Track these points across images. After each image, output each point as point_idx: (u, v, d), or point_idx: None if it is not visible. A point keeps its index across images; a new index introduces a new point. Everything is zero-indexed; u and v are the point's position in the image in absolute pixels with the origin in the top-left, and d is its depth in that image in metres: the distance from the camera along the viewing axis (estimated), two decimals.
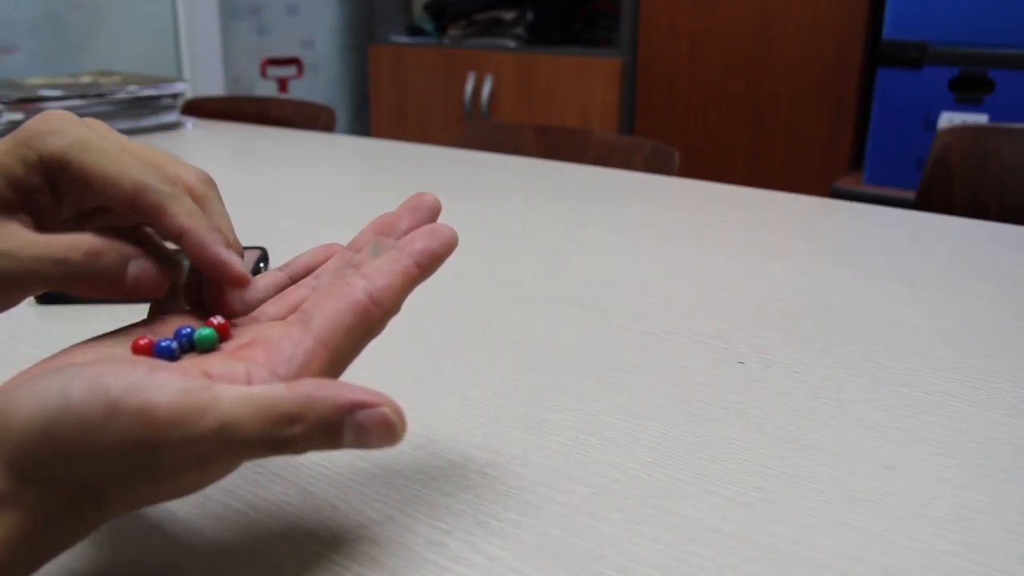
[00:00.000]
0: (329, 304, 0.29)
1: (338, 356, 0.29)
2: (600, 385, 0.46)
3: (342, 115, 2.97)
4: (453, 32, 2.61)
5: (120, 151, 0.30)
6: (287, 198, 0.89)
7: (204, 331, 0.30)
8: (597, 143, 1.22)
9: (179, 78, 1.40)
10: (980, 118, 1.75)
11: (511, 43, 2.48)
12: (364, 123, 3.04)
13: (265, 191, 0.92)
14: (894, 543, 0.33)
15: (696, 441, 0.40)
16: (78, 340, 0.51)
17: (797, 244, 0.73)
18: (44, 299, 0.57)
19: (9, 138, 0.31)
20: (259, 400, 0.25)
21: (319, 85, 2.86)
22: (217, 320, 0.31)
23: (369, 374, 0.47)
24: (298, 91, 2.75)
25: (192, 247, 0.30)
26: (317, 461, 0.38)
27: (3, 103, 1.15)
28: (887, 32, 1.81)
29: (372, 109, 2.72)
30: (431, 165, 1.07)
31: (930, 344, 0.52)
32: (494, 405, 0.44)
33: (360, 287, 0.30)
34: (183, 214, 0.30)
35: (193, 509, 0.35)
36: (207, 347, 0.30)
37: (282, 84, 2.63)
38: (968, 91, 1.75)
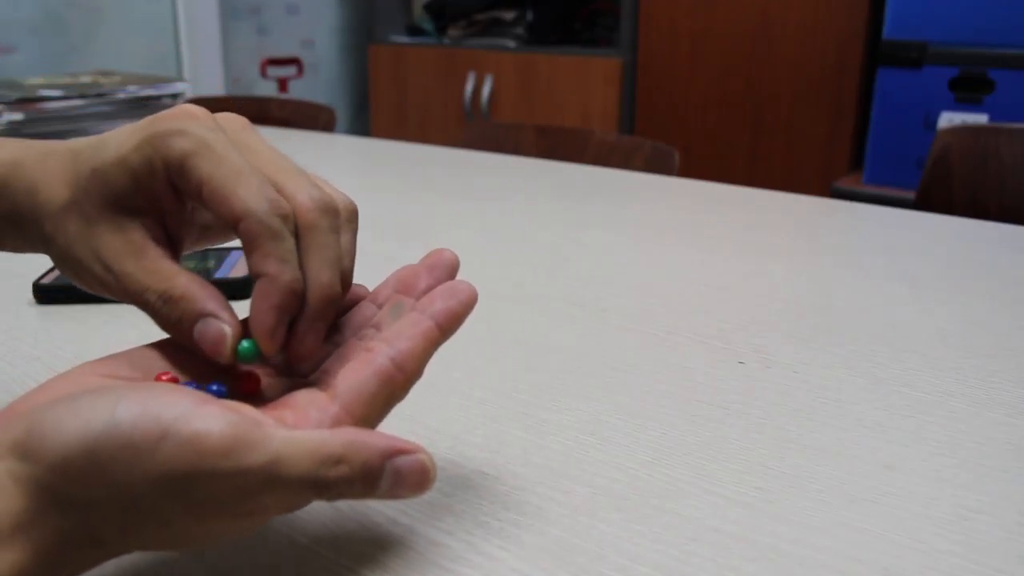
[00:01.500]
0: (352, 371, 0.29)
1: (363, 423, 0.29)
2: (600, 385, 0.46)
3: (342, 115, 2.97)
4: (453, 32, 2.61)
5: (242, 165, 0.30)
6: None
7: (247, 343, 0.29)
8: (597, 143, 1.22)
9: (179, 78, 1.39)
10: (980, 118, 1.75)
11: (511, 43, 2.48)
12: (364, 123, 3.04)
13: None
14: (894, 543, 0.33)
15: (696, 441, 0.40)
16: (78, 340, 0.51)
17: (797, 244, 0.73)
18: (44, 299, 0.57)
19: (139, 129, 0.31)
20: (307, 439, 0.25)
21: (319, 85, 2.86)
22: (245, 369, 0.31)
23: None
24: (298, 91, 2.75)
25: (258, 294, 0.29)
26: None
27: (3, 103, 1.15)
28: (887, 32, 1.81)
29: (372, 109, 2.72)
30: (431, 165, 1.07)
31: (930, 344, 0.52)
32: (494, 405, 0.44)
33: (383, 353, 0.29)
34: (273, 257, 0.29)
35: None
36: (248, 359, 0.29)
37: (282, 84, 2.63)
38: (968, 91, 1.75)
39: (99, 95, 1.25)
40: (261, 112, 1.56)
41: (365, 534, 0.33)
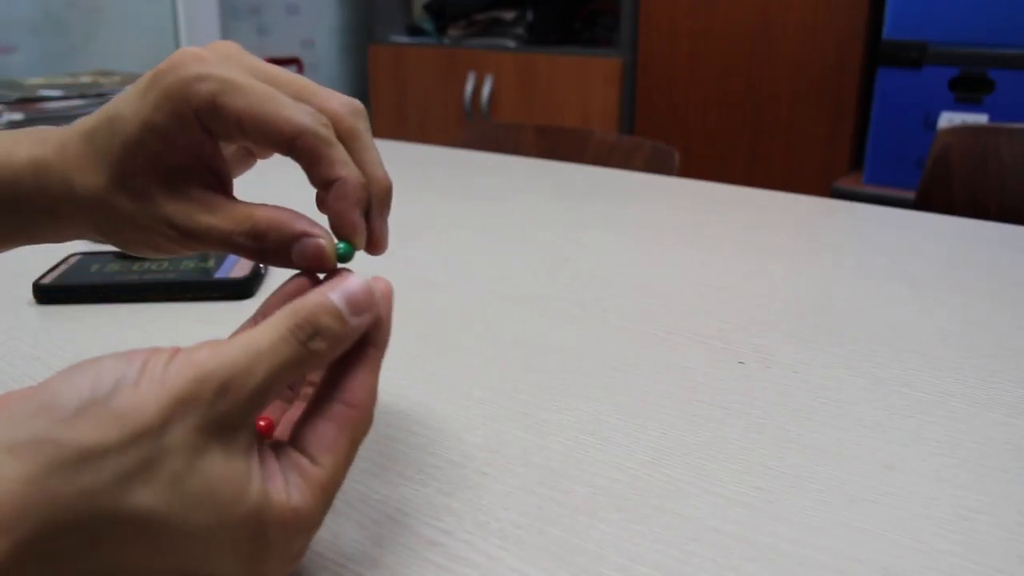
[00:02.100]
0: (307, 424, 0.28)
1: (334, 472, 0.28)
2: (600, 385, 0.46)
3: None
4: (453, 32, 2.61)
5: (270, 90, 0.31)
6: (287, 199, 0.89)
7: (342, 246, 0.32)
8: (597, 143, 1.22)
9: None
10: (980, 118, 1.75)
11: (511, 43, 2.48)
12: None
13: (265, 192, 0.92)
14: (894, 543, 0.33)
15: (696, 441, 0.40)
16: (78, 340, 0.51)
17: (797, 244, 0.73)
18: (44, 299, 0.57)
19: (149, 88, 0.31)
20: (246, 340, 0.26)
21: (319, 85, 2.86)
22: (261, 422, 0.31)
23: None
24: None
25: (336, 198, 0.31)
26: None
27: (3, 103, 1.15)
28: (887, 32, 1.81)
29: (372, 109, 2.72)
30: (431, 165, 1.07)
31: (930, 344, 0.52)
32: (494, 405, 0.44)
33: (332, 397, 0.29)
34: (339, 162, 0.31)
35: None
36: (347, 258, 0.32)
37: None
38: (968, 91, 1.75)
39: (99, 95, 1.25)
40: None
41: (365, 534, 0.33)
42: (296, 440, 0.28)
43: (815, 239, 0.75)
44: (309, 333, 0.26)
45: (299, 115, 0.30)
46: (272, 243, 0.31)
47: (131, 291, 0.58)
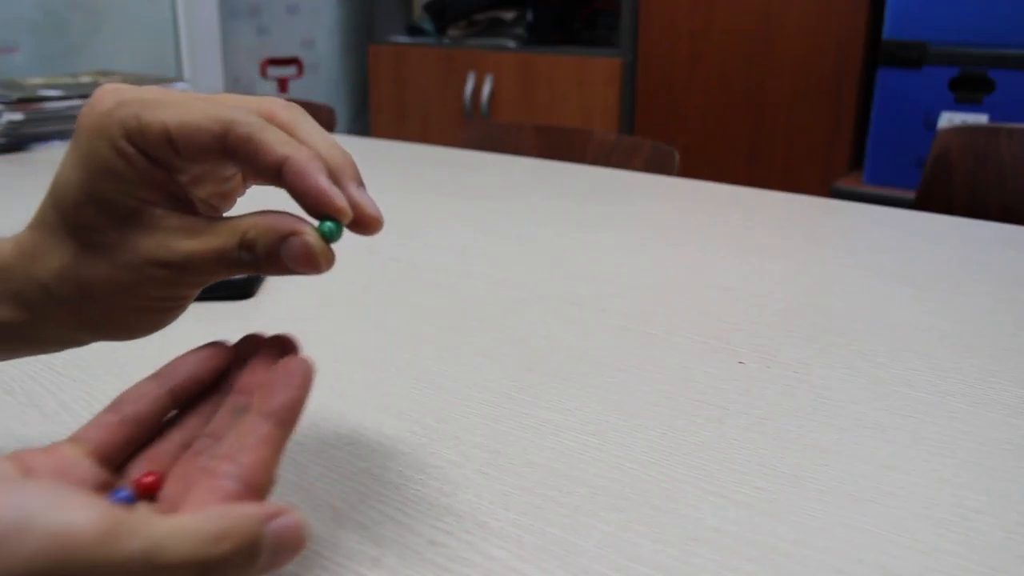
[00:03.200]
0: (201, 502, 0.26)
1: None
2: (600, 385, 0.46)
3: (342, 115, 2.97)
4: (453, 32, 2.61)
5: (190, 98, 0.29)
6: (287, 199, 0.89)
7: (328, 225, 0.29)
8: (597, 143, 1.22)
9: (179, 78, 1.39)
10: (980, 118, 1.75)
11: (511, 43, 2.48)
12: (364, 123, 3.04)
13: (265, 192, 0.92)
14: (894, 543, 0.33)
15: (696, 441, 0.40)
16: None
17: (797, 244, 0.73)
18: None
19: (74, 140, 0.30)
20: (187, 521, 0.23)
21: (319, 85, 2.86)
22: (147, 479, 0.29)
23: (371, 374, 0.47)
24: (298, 91, 2.75)
25: (293, 177, 0.29)
26: (317, 461, 0.38)
27: (3, 103, 1.15)
28: (887, 32, 1.81)
29: (372, 109, 2.72)
30: (431, 165, 1.07)
31: (930, 344, 0.52)
32: (494, 405, 0.44)
33: (228, 475, 0.27)
34: (278, 143, 0.29)
35: None
36: (335, 237, 0.29)
37: (282, 84, 2.63)
38: (968, 91, 1.75)
39: None
40: None
41: (364, 534, 0.33)
42: (172, 511, 0.26)
43: (815, 239, 0.75)
44: (211, 570, 0.23)
45: (223, 111, 0.29)
46: (262, 250, 0.29)
47: None
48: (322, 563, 0.31)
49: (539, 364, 0.49)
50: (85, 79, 1.32)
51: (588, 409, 0.43)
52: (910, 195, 1.77)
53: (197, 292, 0.32)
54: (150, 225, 0.30)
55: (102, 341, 0.33)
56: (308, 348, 0.50)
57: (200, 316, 0.55)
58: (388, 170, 1.04)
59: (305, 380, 0.28)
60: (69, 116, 1.22)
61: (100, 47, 2.31)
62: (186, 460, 0.29)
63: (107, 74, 1.38)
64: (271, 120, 0.30)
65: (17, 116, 1.16)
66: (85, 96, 1.23)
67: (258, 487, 0.27)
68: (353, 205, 0.30)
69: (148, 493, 0.28)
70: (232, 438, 0.27)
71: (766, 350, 0.51)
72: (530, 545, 0.32)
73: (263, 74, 2.62)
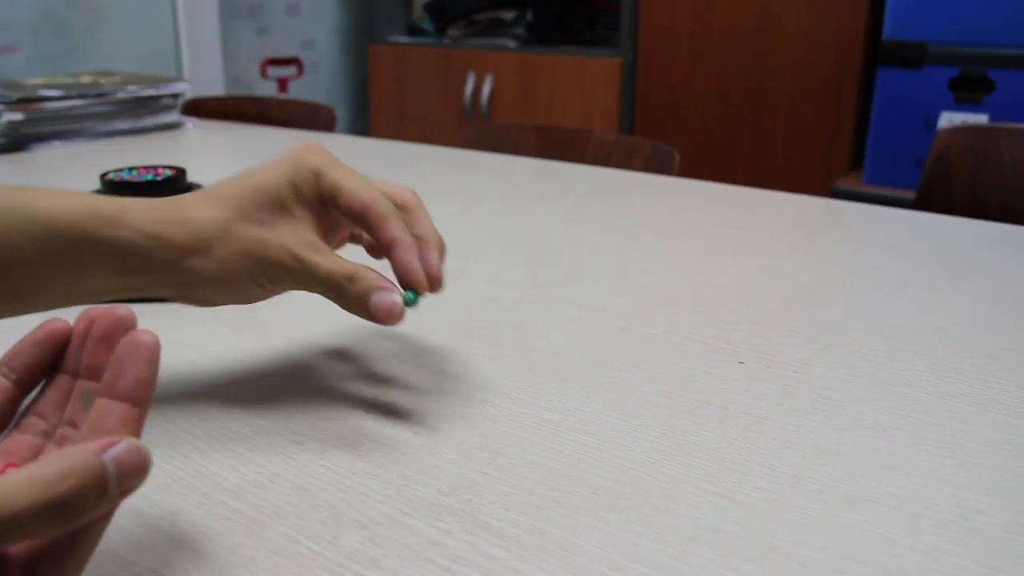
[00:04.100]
0: None
1: (97, 526, 0.27)
2: (600, 385, 0.46)
3: (342, 115, 2.97)
4: (453, 32, 2.61)
5: (356, 173, 0.41)
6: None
7: (409, 295, 0.40)
8: (597, 143, 1.22)
9: (179, 78, 1.39)
10: (980, 118, 1.75)
11: (511, 43, 2.48)
12: (364, 123, 3.04)
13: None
14: (894, 543, 0.33)
15: (696, 441, 0.40)
16: None
17: (797, 244, 0.73)
18: None
19: (278, 157, 0.41)
20: (23, 474, 0.23)
21: (319, 85, 2.86)
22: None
23: (370, 374, 0.47)
24: (298, 91, 2.75)
25: (397, 253, 0.40)
26: (317, 461, 0.38)
27: (3, 103, 1.15)
28: (887, 32, 1.81)
29: (372, 109, 2.72)
30: (431, 165, 1.07)
31: (930, 344, 0.52)
32: (494, 405, 0.44)
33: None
34: (397, 228, 0.40)
35: (194, 509, 0.35)
36: (413, 304, 0.40)
37: (282, 84, 2.63)
38: (968, 91, 1.75)
39: (99, 95, 1.25)
40: (261, 112, 1.56)
41: (365, 534, 0.33)
42: None
43: (815, 239, 0.75)
44: (65, 508, 0.24)
45: (373, 191, 0.41)
46: (361, 288, 0.39)
47: None
48: (322, 563, 0.31)
49: (539, 364, 0.49)
50: (85, 79, 1.32)
51: (588, 409, 0.43)
52: (910, 195, 1.77)
53: (283, 292, 0.42)
54: (298, 230, 0.40)
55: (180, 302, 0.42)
56: (306, 348, 0.50)
57: (200, 316, 0.55)
58: (388, 170, 1.04)
59: (151, 355, 0.29)
60: (69, 116, 1.22)
61: (100, 47, 2.31)
62: (49, 452, 0.30)
63: (107, 74, 1.38)
64: (397, 201, 0.43)
65: (17, 116, 1.16)
66: (85, 96, 1.23)
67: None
68: (433, 275, 0.41)
69: None
70: (89, 423, 0.28)
71: (766, 350, 0.51)
72: (530, 545, 0.32)
73: (263, 74, 2.62)
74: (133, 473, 0.25)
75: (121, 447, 0.25)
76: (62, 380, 0.32)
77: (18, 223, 0.37)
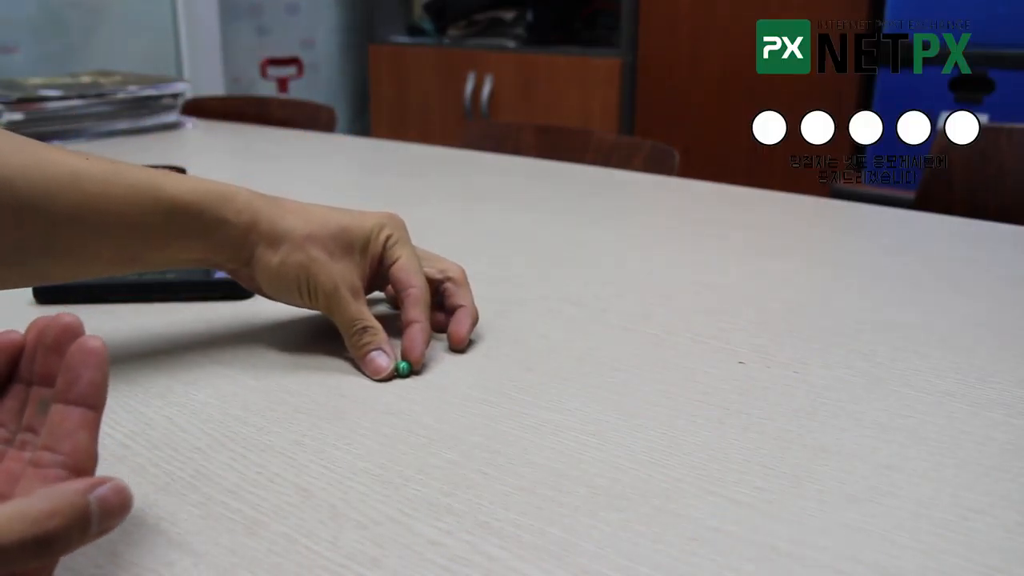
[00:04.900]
0: (31, 492, 0.27)
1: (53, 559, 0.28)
2: (600, 385, 0.46)
3: (342, 115, 2.97)
4: (453, 32, 2.61)
5: (414, 253, 0.50)
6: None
7: (403, 364, 0.46)
8: (597, 143, 1.22)
9: (179, 78, 1.40)
10: (980, 118, 1.75)
11: (511, 43, 2.48)
12: (364, 123, 3.04)
13: (265, 191, 0.92)
14: (894, 543, 0.33)
15: (696, 441, 0.40)
16: None
17: (797, 244, 0.73)
18: (44, 299, 0.57)
19: (374, 216, 0.50)
20: (12, 507, 0.24)
21: (319, 85, 2.86)
22: None
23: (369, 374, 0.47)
24: (298, 91, 2.75)
25: (408, 332, 0.48)
26: (317, 461, 0.38)
27: (3, 103, 1.15)
28: (887, 32, 1.81)
29: (372, 109, 2.72)
30: (431, 165, 1.07)
31: (930, 344, 0.52)
32: (494, 405, 0.44)
33: (55, 463, 0.29)
34: (421, 313, 0.48)
35: (193, 509, 0.35)
36: (405, 375, 0.47)
37: (282, 84, 2.63)
38: (968, 91, 1.75)
39: (99, 95, 1.25)
40: (261, 112, 1.56)
41: (365, 534, 0.33)
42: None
43: (815, 239, 0.75)
44: (49, 545, 0.25)
45: (420, 276, 0.49)
46: (367, 340, 0.47)
47: (131, 291, 0.58)
48: (322, 563, 0.31)
49: (539, 364, 0.49)
50: (85, 79, 1.32)
51: (588, 409, 0.43)
52: (910, 195, 1.77)
53: (314, 310, 0.50)
54: (347, 271, 0.48)
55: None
56: (305, 348, 0.50)
57: (199, 316, 0.55)
58: (388, 170, 1.04)
59: (100, 359, 0.30)
60: (69, 116, 1.22)
61: (100, 47, 2.31)
62: (12, 457, 0.31)
63: (107, 74, 1.38)
64: (448, 275, 0.52)
65: (17, 116, 1.16)
66: (85, 96, 1.23)
67: (83, 470, 0.29)
68: (459, 337, 0.50)
69: None
70: (48, 429, 0.30)
71: (766, 350, 0.51)
72: (530, 545, 0.32)
73: (263, 74, 2.61)
74: (115, 512, 0.27)
75: (107, 488, 0.26)
76: (18, 389, 0.33)
77: (147, 202, 0.43)
